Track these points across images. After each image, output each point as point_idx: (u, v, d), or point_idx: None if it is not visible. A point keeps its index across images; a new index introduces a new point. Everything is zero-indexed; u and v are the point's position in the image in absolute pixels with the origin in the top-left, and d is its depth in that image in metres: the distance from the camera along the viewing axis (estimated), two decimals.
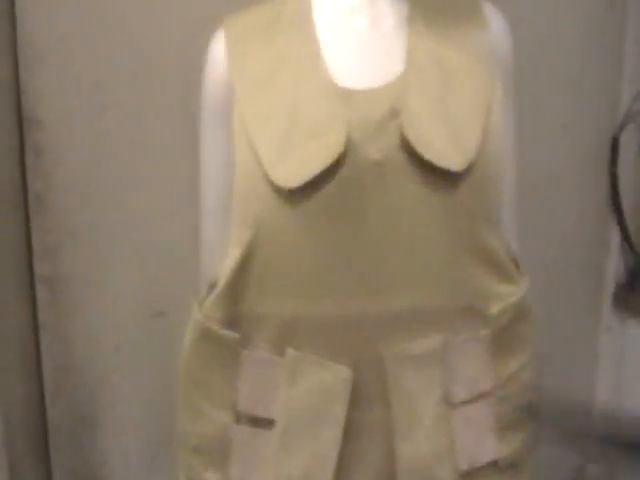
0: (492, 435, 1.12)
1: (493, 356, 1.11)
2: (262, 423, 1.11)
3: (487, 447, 1.12)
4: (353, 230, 1.04)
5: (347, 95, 1.05)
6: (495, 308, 1.10)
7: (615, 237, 2.03)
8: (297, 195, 1.02)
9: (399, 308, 1.07)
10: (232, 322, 1.10)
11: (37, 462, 1.48)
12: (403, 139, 1.02)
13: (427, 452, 1.08)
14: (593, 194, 2.01)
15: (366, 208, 1.04)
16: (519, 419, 1.14)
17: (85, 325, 1.45)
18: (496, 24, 1.14)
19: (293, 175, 1.02)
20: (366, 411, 1.09)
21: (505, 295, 1.11)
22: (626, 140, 2.00)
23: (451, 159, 1.03)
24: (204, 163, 1.18)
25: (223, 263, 1.09)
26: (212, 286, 1.12)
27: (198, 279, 1.20)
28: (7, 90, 1.36)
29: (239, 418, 1.12)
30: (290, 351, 1.07)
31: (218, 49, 1.15)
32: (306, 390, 1.08)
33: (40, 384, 1.46)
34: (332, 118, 1.03)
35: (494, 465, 1.13)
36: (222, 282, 1.09)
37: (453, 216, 1.06)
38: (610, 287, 2.07)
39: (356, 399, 1.07)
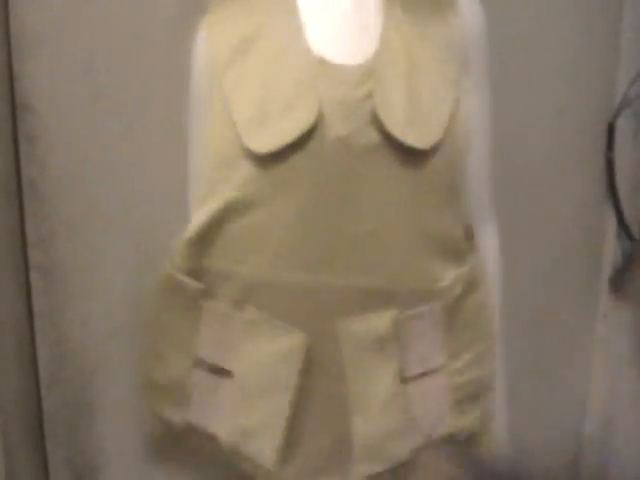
0: (447, 408, 1.15)
1: (445, 329, 1.14)
2: (221, 372, 1.15)
3: (443, 421, 1.15)
4: (319, 203, 1.08)
5: (324, 68, 1.08)
6: (445, 282, 1.14)
7: (611, 222, 2.04)
8: (269, 163, 1.07)
9: (357, 284, 1.10)
10: (198, 274, 1.15)
11: (33, 450, 1.47)
12: (374, 116, 1.06)
13: (381, 428, 1.10)
14: (589, 179, 2.00)
15: (333, 183, 1.07)
16: (474, 391, 1.17)
17: (80, 313, 1.45)
18: (467, 11, 1.17)
19: (266, 142, 1.06)
20: (322, 382, 1.12)
21: (457, 273, 1.15)
22: (622, 125, 2.00)
23: (418, 137, 1.07)
24: (191, 132, 1.22)
25: (195, 219, 1.15)
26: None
27: None
28: (0, 77, 1.35)
29: (199, 364, 1.17)
30: (248, 308, 1.11)
31: (202, 38, 1.19)
32: (261, 350, 1.11)
33: (35, 372, 1.45)
34: (307, 91, 1.07)
35: (450, 438, 1.16)
36: (189, 234, 1.14)
37: (417, 196, 1.09)
38: (606, 272, 2.07)
39: (313, 369, 1.10)
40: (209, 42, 1.16)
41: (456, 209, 1.14)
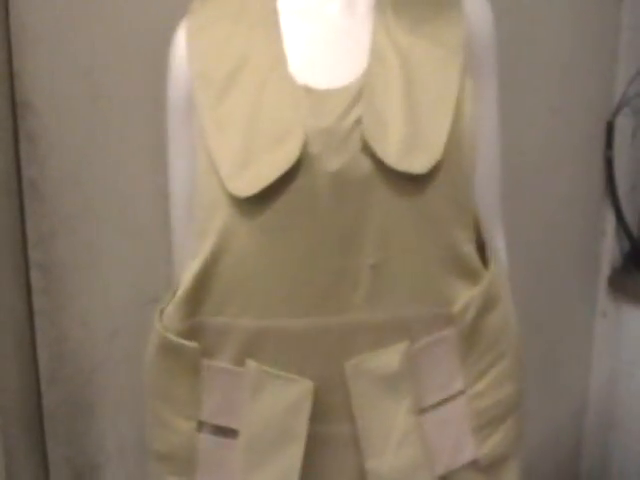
0: (468, 435, 1.09)
1: (462, 354, 1.07)
2: (226, 433, 1.09)
3: (464, 448, 1.09)
4: (313, 242, 1.01)
5: (309, 97, 1.02)
6: (457, 306, 1.06)
7: (610, 221, 2.04)
8: (254, 206, 1.00)
9: (363, 320, 1.04)
10: (193, 332, 1.07)
11: (33, 449, 1.47)
12: (365, 144, 0.98)
13: (398, 466, 1.05)
14: (588, 178, 2.01)
15: (326, 219, 1.01)
16: (497, 414, 1.10)
17: (80, 312, 1.45)
18: (472, 8, 1.10)
19: (248, 184, 0.99)
20: (333, 425, 1.06)
21: (470, 295, 1.07)
22: (621, 124, 2.00)
23: (415, 162, 0.99)
24: (171, 166, 1.16)
25: (184, 273, 1.07)
26: (173, 295, 1.09)
27: (170, 285, 1.18)
28: (0, 75, 1.35)
29: (203, 427, 1.10)
30: (250, 363, 1.05)
31: (180, 46, 1.11)
32: (268, 404, 1.05)
33: (35, 371, 1.46)
34: (291, 126, 1.00)
35: (473, 465, 1.09)
36: (181, 292, 1.06)
37: (421, 222, 1.02)
38: (605, 271, 2.07)
39: (322, 413, 1.04)
40: (190, 52, 1.10)
41: (465, 225, 1.06)
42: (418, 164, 0.99)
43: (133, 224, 1.45)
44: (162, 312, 1.09)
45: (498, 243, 1.19)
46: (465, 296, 1.06)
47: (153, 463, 1.16)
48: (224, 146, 1.03)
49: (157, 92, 1.42)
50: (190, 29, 1.11)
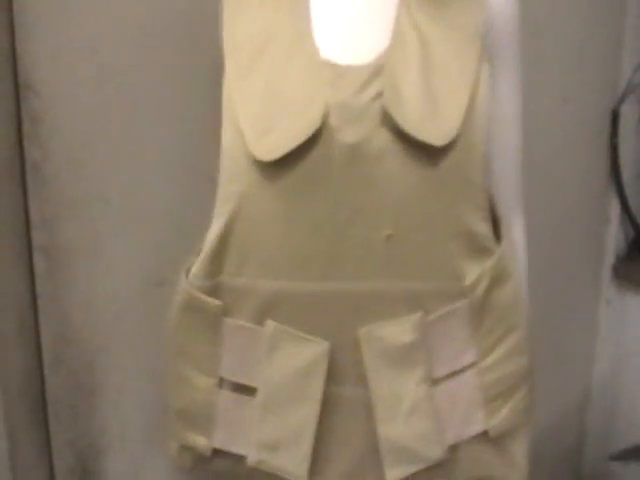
0: (479, 406, 1.12)
1: (473, 326, 1.10)
2: (244, 390, 1.13)
3: (474, 419, 1.12)
4: (330, 209, 1.05)
5: (331, 70, 1.06)
6: (469, 280, 1.09)
7: (615, 209, 2.04)
8: (274, 171, 1.05)
9: (377, 289, 1.07)
10: (215, 292, 1.12)
11: (36, 432, 1.47)
12: (385, 117, 1.02)
13: (409, 433, 1.08)
14: (593, 166, 2.01)
15: (343, 188, 1.05)
16: (507, 386, 1.13)
17: (84, 294, 1.45)
18: None
19: (270, 150, 1.04)
20: (347, 388, 1.10)
21: (481, 269, 1.10)
22: (626, 112, 2.00)
23: (433, 134, 1.02)
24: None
25: (207, 236, 1.12)
26: (198, 255, 1.14)
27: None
28: (3, 57, 1.35)
29: (222, 384, 1.14)
30: (269, 322, 1.09)
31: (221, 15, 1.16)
32: (285, 363, 1.09)
33: (39, 354, 1.46)
34: (312, 98, 1.04)
35: (483, 436, 1.12)
36: (204, 252, 1.11)
37: (434, 196, 1.05)
38: (610, 259, 2.07)
39: (336, 375, 1.08)
40: (226, 25, 1.15)
41: (478, 203, 1.08)
42: (436, 135, 1.02)
43: (137, 207, 1.45)
44: (188, 271, 1.14)
45: (515, 230, 1.21)
46: (476, 270, 1.09)
47: (172, 421, 1.20)
48: (249, 114, 1.07)
49: (163, 74, 1.43)
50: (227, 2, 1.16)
